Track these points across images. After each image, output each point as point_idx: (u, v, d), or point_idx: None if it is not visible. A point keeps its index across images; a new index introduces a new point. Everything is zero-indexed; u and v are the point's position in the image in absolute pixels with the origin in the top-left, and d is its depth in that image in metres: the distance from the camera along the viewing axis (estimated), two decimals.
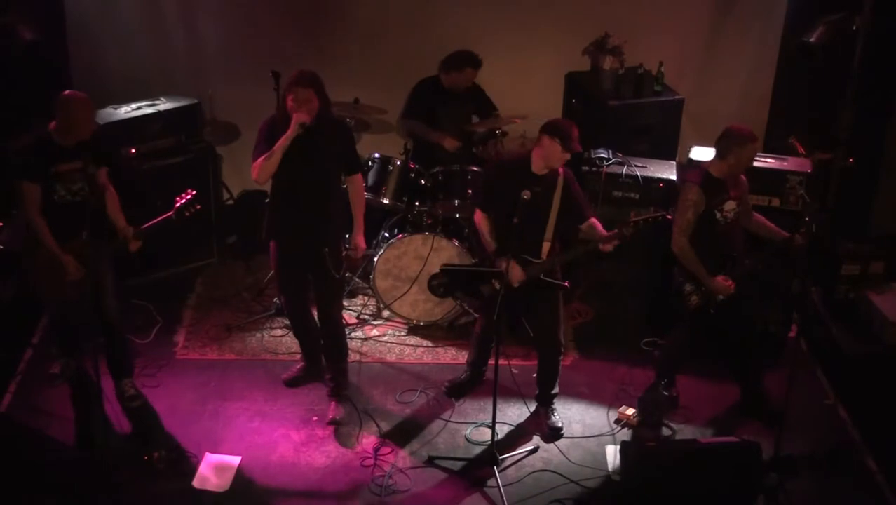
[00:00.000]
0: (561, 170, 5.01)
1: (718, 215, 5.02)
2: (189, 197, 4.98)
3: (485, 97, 6.63)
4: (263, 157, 4.85)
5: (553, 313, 5.15)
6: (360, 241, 5.17)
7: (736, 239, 5.15)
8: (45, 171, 4.72)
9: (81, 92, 4.83)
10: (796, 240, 5.09)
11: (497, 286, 4.94)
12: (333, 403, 5.30)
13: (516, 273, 4.95)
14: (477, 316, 5.73)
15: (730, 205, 5.05)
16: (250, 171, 6.85)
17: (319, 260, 5.02)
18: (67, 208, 4.77)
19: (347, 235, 5.24)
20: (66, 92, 4.78)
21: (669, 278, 5.18)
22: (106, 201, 4.98)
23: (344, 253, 5.15)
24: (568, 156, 4.91)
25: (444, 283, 5.68)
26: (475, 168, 6.16)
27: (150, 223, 4.96)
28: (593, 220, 5.06)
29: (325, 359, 5.43)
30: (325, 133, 4.90)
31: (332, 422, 5.21)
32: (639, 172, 5.99)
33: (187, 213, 4.95)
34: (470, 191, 6.09)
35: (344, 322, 5.49)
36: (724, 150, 5.00)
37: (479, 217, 5.14)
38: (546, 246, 4.99)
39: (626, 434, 5.29)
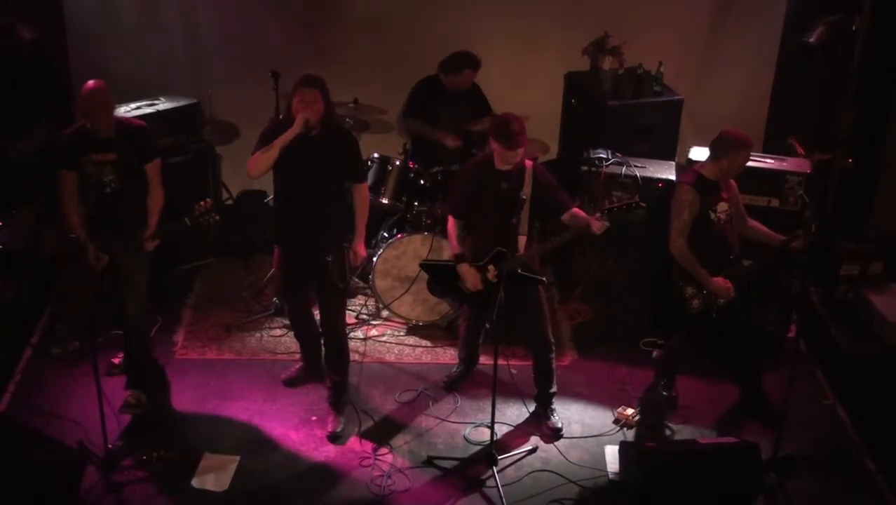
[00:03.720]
0: (528, 163, 5.04)
1: (713, 216, 5.02)
2: (206, 205, 4.93)
3: (482, 97, 6.62)
4: (261, 150, 4.84)
5: (538, 312, 5.15)
6: (361, 248, 5.16)
7: (732, 241, 5.15)
8: (76, 159, 4.82)
9: (101, 82, 4.86)
10: (792, 243, 5.09)
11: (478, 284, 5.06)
12: (333, 414, 5.27)
13: (472, 279, 5.04)
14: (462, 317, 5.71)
15: (722, 206, 5.05)
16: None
17: (322, 268, 5.02)
18: (100, 200, 4.83)
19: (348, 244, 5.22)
20: (88, 82, 4.84)
21: (668, 279, 5.18)
22: (147, 197, 4.99)
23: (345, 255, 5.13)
24: (517, 151, 4.88)
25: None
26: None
27: (165, 226, 4.98)
28: (575, 209, 5.03)
29: (325, 367, 5.42)
30: (329, 141, 4.89)
31: (332, 435, 5.17)
32: (638, 173, 5.99)
33: (203, 221, 4.90)
34: None
35: (347, 330, 5.45)
36: (718, 153, 5.00)
37: (451, 223, 5.18)
38: (522, 240, 4.99)
39: (625, 434, 5.29)
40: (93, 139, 4.84)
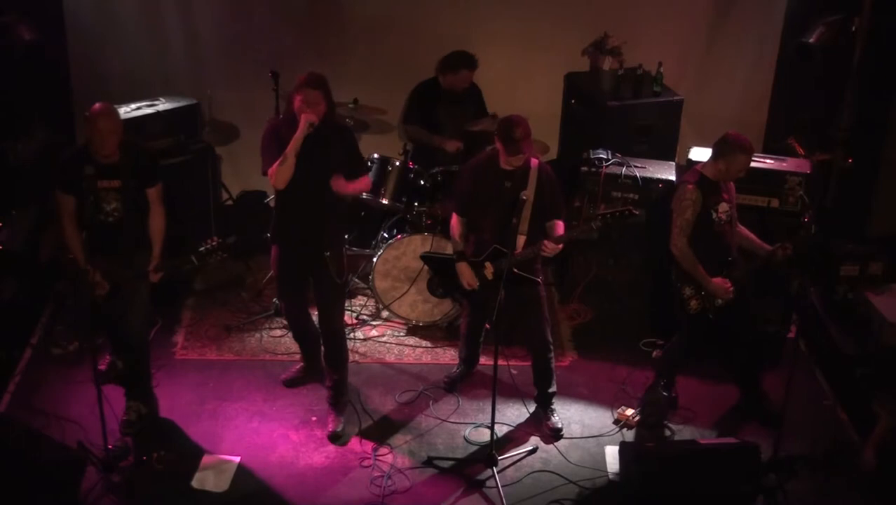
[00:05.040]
0: (534, 162, 5.02)
1: (714, 216, 5.02)
2: (213, 244, 4.78)
3: (480, 99, 6.62)
4: (277, 162, 4.80)
5: (536, 313, 5.15)
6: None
7: (732, 241, 5.14)
8: (77, 184, 4.66)
9: (108, 105, 4.76)
10: (777, 254, 5.09)
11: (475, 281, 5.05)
12: (333, 414, 5.27)
13: (468, 278, 5.04)
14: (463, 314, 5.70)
15: (723, 206, 5.05)
16: (250, 172, 6.94)
17: (321, 264, 5.01)
18: (101, 226, 4.74)
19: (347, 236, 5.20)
20: (95, 105, 4.72)
21: (668, 279, 5.18)
22: (149, 221, 4.93)
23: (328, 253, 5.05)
24: (519, 155, 4.87)
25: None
26: None
27: (171, 261, 4.91)
28: (558, 221, 5.02)
29: (325, 365, 5.42)
30: (328, 138, 4.87)
31: (333, 435, 5.17)
32: (638, 173, 5.99)
33: (210, 259, 4.80)
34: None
35: (345, 328, 5.42)
36: (718, 155, 5.01)
37: (455, 221, 5.17)
38: (521, 240, 4.97)
39: (625, 435, 5.29)
40: (97, 164, 4.69)
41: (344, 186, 4.97)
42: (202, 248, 4.77)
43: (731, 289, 5.02)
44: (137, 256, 4.88)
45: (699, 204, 4.99)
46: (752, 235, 5.25)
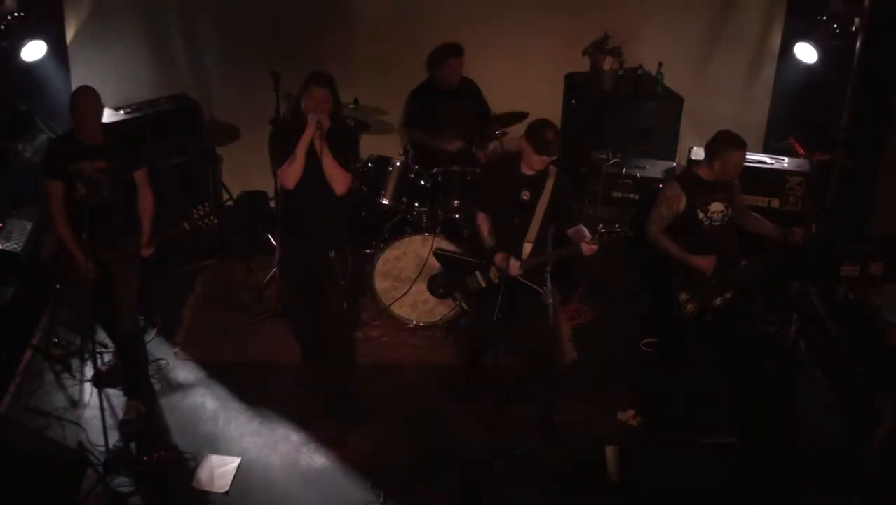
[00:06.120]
0: (554, 170, 5.00)
1: (702, 216, 4.99)
2: (205, 210, 4.87)
3: (479, 95, 6.62)
4: (287, 162, 4.81)
5: (540, 322, 5.04)
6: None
7: (728, 244, 5.11)
8: (64, 168, 4.76)
9: (89, 87, 4.85)
10: (795, 234, 5.04)
11: (481, 282, 5.00)
12: (334, 415, 5.27)
13: (513, 265, 4.91)
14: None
15: (716, 206, 5.01)
16: (250, 172, 6.95)
17: (325, 264, 5.01)
18: (90, 208, 4.75)
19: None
20: (76, 87, 4.82)
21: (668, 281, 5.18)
22: (138, 204, 4.97)
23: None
24: (544, 158, 4.82)
25: (443, 283, 5.72)
26: (475, 169, 6.15)
27: (163, 232, 4.95)
28: (580, 225, 4.98)
29: (326, 367, 5.41)
30: (332, 137, 4.86)
31: (332, 439, 5.17)
32: (638, 173, 6.00)
33: (202, 225, 4.87)
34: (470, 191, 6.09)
35: (348, 329, 5.43)
36: (711, 157, 4.99)
37: (481, 218, 5.12)
38: (528, 247, 4.92)
39: (625, 435, 5.29)
40: (82, 147, 4.79)
41: (331, 158, 4.84)
42: (194, 214, 4.84)
43: (714, 262, 4.95)
44: (126, 239, 4.91)
45: (679, 202, 4.95)
46: (765, 221, 5.19)
